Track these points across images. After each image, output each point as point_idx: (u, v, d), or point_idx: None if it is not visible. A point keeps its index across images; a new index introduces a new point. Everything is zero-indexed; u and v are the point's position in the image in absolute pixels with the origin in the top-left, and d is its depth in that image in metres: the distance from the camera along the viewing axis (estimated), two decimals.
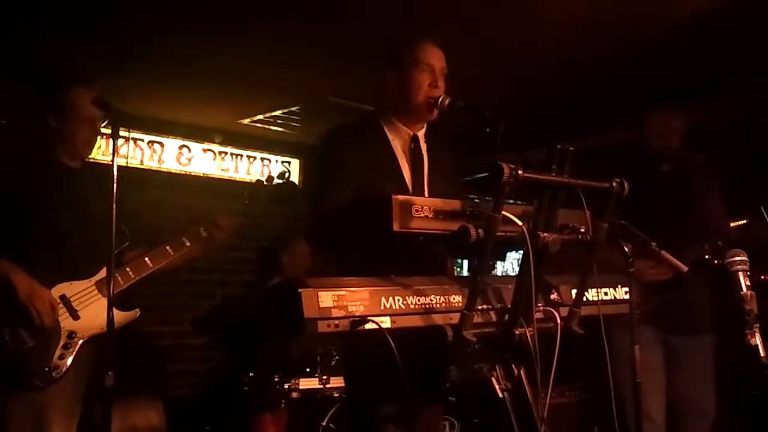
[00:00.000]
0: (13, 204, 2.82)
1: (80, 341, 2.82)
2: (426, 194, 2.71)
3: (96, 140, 3.06)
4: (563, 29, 3.97)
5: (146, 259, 2.99)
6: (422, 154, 2.78)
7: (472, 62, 4.27)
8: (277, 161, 6.48)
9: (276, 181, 3.28)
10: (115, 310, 2.77)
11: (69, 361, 2.78)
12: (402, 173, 2.71)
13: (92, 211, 2.93)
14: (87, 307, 2.85)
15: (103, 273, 2.88)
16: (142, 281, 3.00)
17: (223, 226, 3.13)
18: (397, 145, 2.75)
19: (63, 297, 2.82)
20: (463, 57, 3.38)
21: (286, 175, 3.31)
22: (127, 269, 2.96)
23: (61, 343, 2.77)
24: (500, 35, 4.05)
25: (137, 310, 2.99)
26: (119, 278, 2.90)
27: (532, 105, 5.03)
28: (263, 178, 3.34)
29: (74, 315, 2.82)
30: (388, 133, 2.75)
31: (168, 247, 3.04)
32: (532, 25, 3.91)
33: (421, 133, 2.80)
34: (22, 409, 2.72)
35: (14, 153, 3.04)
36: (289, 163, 6.54)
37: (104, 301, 2.77)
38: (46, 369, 2.73)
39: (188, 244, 3.08)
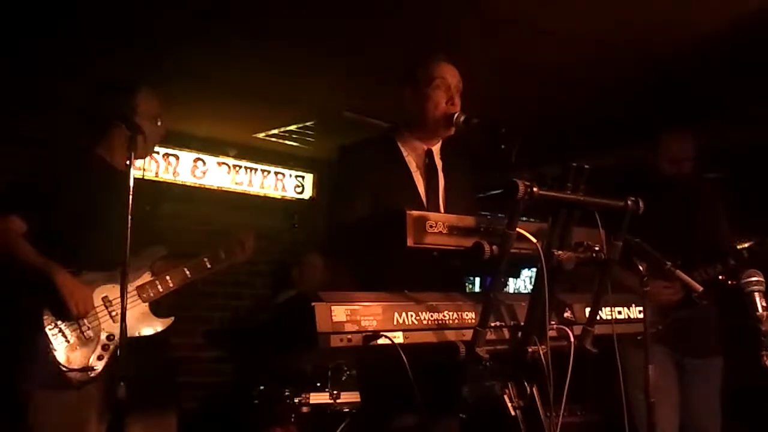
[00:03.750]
0: (68, 202, 2.90)
1: (117, 343, 2.88)
2: (441, 209, 2.71)
3: (158, 141, 3.21)
4: (579, 48, 3.97)
5: (185, 269, 3.11)
6: (437, 169, 2.78)
7: (488, 79, 4.29)
8: (291, 175, 6.50)
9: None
10: (153, 317, 3.01)
11: (105, 362, 2.85)
12: (417, 188, 2.72)
13: (134, 216, 3.01)
14: (127, 312, 2.89)
15: (143, 279, 3.02)
16: (179, 290, 3.13)
17: (248, 246, 3.31)
18: (412, 161, 2.75)
19: (105, 299, 2.91)
20: (478, 74, 3.39)
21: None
22: (167, 277, 3.07)
23: (100, 344, 2.85)
24: (516, 53, 4.06)
25: (171, 318, 3.09)
26: (159, 285, 3.03)
27: (547, 122, 5.02)
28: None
29: (114, 318, 2.90)
30: (402, 149, 2.76)
31: (206, 259, 3.16)
32: (548, 43, 3.92)
33: (436, 149, 2.81)
34: (58, 408, 2.78)
35: (73, 151, 3.14)
36: (303, 177, 6.55)
37: (143, 307, 3.00)
38: (84, 368, 2.79)
39: (224, 257, 3.22)
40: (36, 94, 4.69)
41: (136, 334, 2.93)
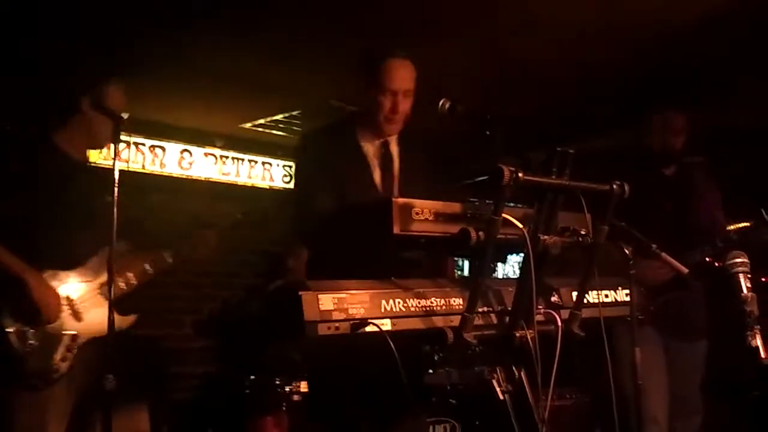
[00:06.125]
0: (23, 195, 2.79)
1: (81, 343, 2.81)
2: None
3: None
4: (564, 32, 3.96)
5: (146, 265, 3.01)
6: (392, 159, 2.84)
7: (474, 65, 4.28)
8: (278, 165, 6.48)
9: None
10: (115, 314, 2.79)
11: (69, 363, 2.77)
12: (372, 178, 2.78)
13: (94, 209, 2.93)
14: (90, 310, 2.85)
15: (105, 276, 2.84)
16: (142, 286, 3.02)
17: (210, 244, 3.23)
18: (369, 150, 2.82)
19: (68, 299, 2.81)
20: (464, 60, 3.38)
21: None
22: (129, 274, 2.97)
23: (64, 344, 2.77)
24: (500, 39, 4.05)
25: (134, 315, 2.98)
26: (121, 283, 2.92)
27: (533, 108, 5.02)
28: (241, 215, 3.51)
29: (77, 317, 2.82)
30: (360, 138, 2.82)
31: (166, 254, 3.07)
32: (533, 28, 3.91)
33: (392, 138, 2.86)
34: (25, 410, 2.71)
35: (27, 140, 3.02)
36: (290, 166, 6.54)
37: (106, 305, 2.79)
38: (48, 370, 2.72)
39: (184, 253, 3.14)
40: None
41: (99, 333, 2.80)
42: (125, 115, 2.95)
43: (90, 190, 2.96)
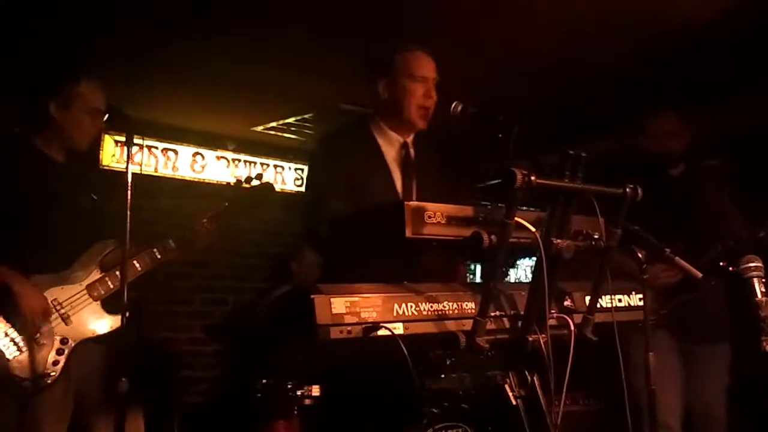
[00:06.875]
0: (6, 198, 2.76)
1: (72, 346, 2.79)
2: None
3: (96, 134, 3.01)
4: (572, 33, 3.95)
5: (134, 262, 2.93)
6: (412, 162, 2.80)
7: (483, 68, 4.28)
8: (290, 168, 6.50)
9: (254, 182, 3.23)
10: (105, 314, 2.86)
11: (61, 366, 2.75)
12: (393, 182, 2.74)
13: (79, 209, 2.91)
14: (78, 312, 2.82)
15: (92, 276, 2.87)
16: (134, 284, 2.90)
17: (204, 230, 3.10)
18: (389, 153, 2.78)
19: (55, 301, 2.79)
20: (473, 63, 3.36)
21: (262, 177, 3.30)
22: (117, 272, 2.88)
23: (55, 348, 2.75)
24: (506, 41, 4.04)
25: (126, 314, 2.86)
26: (109, 281, 2.88)
27: (544, 110, 5.01)
28: (242, 179, 3.27)
29: (66, 320, 2.79)
30: (379, 142, 2.78)
31: (155, 250, 2.99)
32: (539, 29, 3.90)
33: (410, 140, 2.83)
34: (17, 415, 2.70)
35: (7, 141, 2.97)
36: (302, 170, 6.55)
37: (95, 306, 2.85)
38: (40, 375, 2.70)
39: (174, 246, 3.03)
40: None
41: (90, 335, 2.82)
42: (104, 116, 2.90)
43: (73, 191, 2.93)
